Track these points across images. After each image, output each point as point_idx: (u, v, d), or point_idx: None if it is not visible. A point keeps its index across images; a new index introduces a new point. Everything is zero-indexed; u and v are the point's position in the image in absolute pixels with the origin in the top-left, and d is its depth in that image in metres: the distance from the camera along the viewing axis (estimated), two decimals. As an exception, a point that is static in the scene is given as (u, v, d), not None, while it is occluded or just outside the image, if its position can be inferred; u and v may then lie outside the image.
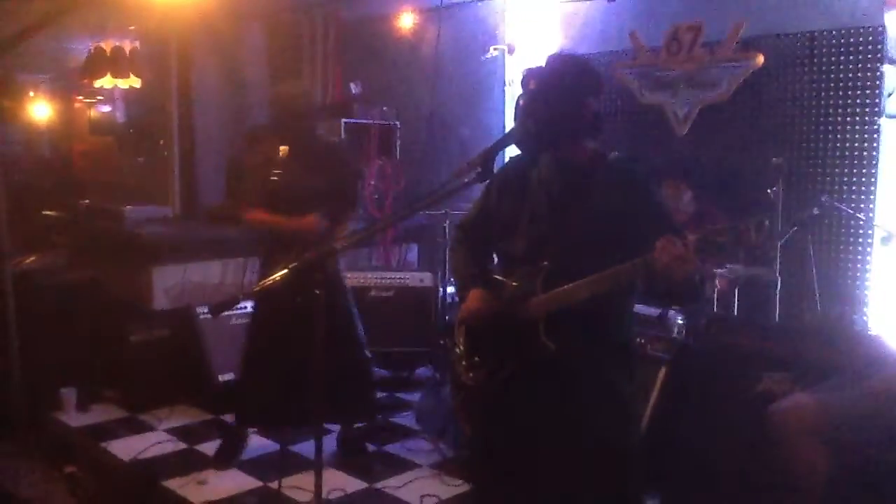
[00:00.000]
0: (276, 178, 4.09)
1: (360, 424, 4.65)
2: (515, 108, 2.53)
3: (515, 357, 2.61)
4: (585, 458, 2.55)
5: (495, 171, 2.43)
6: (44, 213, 6.72)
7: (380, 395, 5.56)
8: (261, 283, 2.12)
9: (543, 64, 2.53)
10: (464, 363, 2.75)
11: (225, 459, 4.38)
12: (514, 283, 2.60)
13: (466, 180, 2.31)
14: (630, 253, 2.32)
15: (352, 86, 7.14)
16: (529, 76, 2.51)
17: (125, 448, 4.57)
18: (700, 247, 2.10)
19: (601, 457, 2.54)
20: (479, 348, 2.71)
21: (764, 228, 1.98)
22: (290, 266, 2.04)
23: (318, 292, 2.03)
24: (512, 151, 2.58)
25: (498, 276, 2.68)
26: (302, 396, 3.55)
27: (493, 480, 2.79)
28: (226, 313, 5.28)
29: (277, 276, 2.03)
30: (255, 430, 4.59)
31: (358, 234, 2.23)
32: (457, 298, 2.93)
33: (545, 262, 2.51)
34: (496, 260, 2.82)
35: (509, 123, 6.49)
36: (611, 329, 2.60)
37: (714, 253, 2.09)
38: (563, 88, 2.47)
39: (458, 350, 2.77)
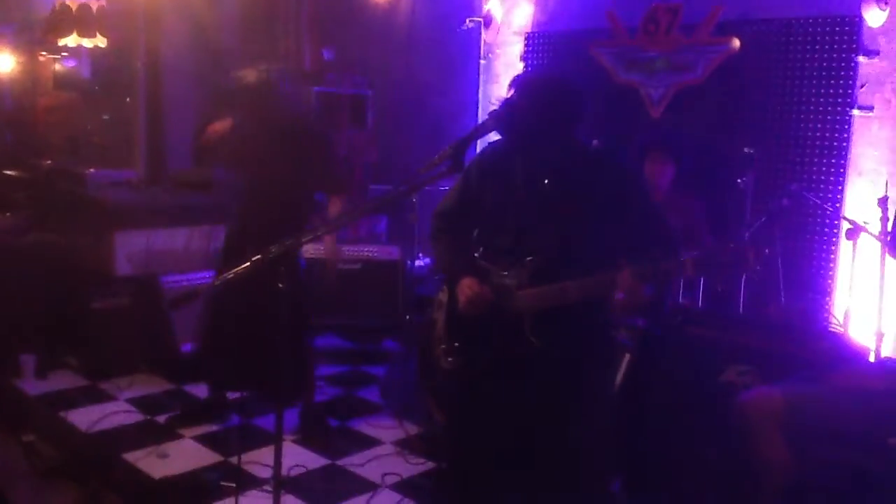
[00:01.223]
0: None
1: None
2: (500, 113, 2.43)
3: (497, 347, 2.61)
4: (559, 446, 2.59)
5: (467, 161, 2.40)
6: (4, 171, 6.55)
7: (345, 368, 5.57)
8: (221, 277, 2.07)
9: (531, 83, 2.46)
10: (443, 346, 2.74)
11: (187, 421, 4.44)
12: (503, 273, 2.57)
13: (438, 173, 2.27)
14: (617, 247, 2.33)
15: (324, 52, 7.03)
16: (517, 91, 2.44)
17: (84, 417, 4.52)
18: (699, 266, 2.11)
19: (575, 444, 2.58)
20: (460, 334, 2.70)
21: (763, 255, 2.00)
22: (252, 259, 2.00)
23: (280, 286, 2.00)
24: (484, 142, 2.54)
25: (484, 264, 2.64)
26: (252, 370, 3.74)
27: (467, 464, 2.80)
28: (189, 283, 5.24)
29: (240, 268, 2.00)
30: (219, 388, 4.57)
31: (326, 226, 2.17)
32: (435, 278, 2.92)
33: (531, 258, 2.50)
34: (479, 249, 2.76)
35: (483, 97, 6.45)
36: (596, 328, 2.61)
37: (712, 273, 2.11)
38: (550, 119, 2.43)
39: (437, 333, 2.76)
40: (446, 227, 2.83)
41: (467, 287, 2.61)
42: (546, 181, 2.52)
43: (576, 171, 2.50)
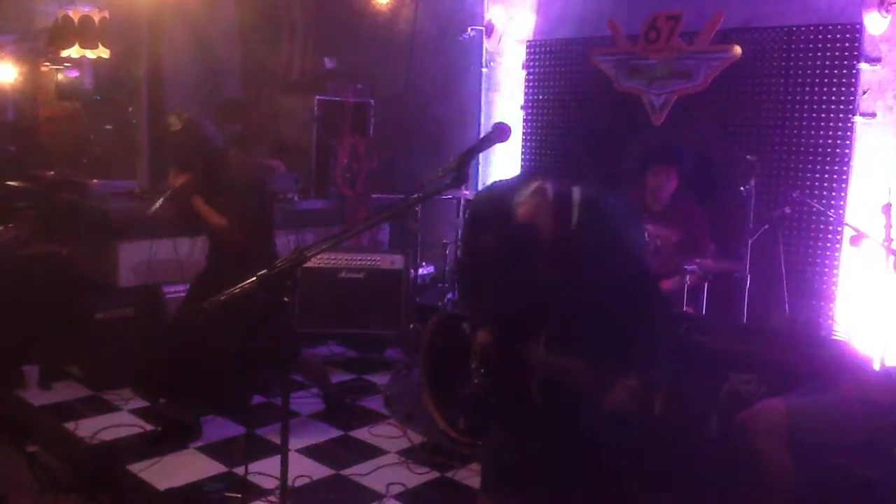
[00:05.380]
0: None
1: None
2: None
3: (509, 394, 2.68)
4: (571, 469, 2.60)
5: (469, 167, 2.40)
6: (7, 182, 6.57)
7: (348, 377, 5.58)
8: (229, 291, 2.08)
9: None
10: (474, 366, 2.83)
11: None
12: (518, 339, 2.60)
13: (442, 184, 2.28)
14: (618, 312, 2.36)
15: (326, 61, 7.05)
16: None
17: (89, 428, 4.52)
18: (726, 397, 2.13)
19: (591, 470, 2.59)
20: (488, 364, 2.78)
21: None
22: (259, 274, 2.01)
23: (286, 300, 2.01)
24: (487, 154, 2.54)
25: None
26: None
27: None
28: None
29: (247, 283, 2.01)
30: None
31: (331, 240, 2.18)
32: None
33: (544, 329, 2.51)
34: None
35: (485, 105, 6.46)
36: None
37: (736, 402, 2.14)
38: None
39: (473, 355, 2.85)
40: (466, 270, 2.96)
41: (483, 336, 2.72)
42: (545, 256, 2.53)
43: (571, 235, 2.48)
